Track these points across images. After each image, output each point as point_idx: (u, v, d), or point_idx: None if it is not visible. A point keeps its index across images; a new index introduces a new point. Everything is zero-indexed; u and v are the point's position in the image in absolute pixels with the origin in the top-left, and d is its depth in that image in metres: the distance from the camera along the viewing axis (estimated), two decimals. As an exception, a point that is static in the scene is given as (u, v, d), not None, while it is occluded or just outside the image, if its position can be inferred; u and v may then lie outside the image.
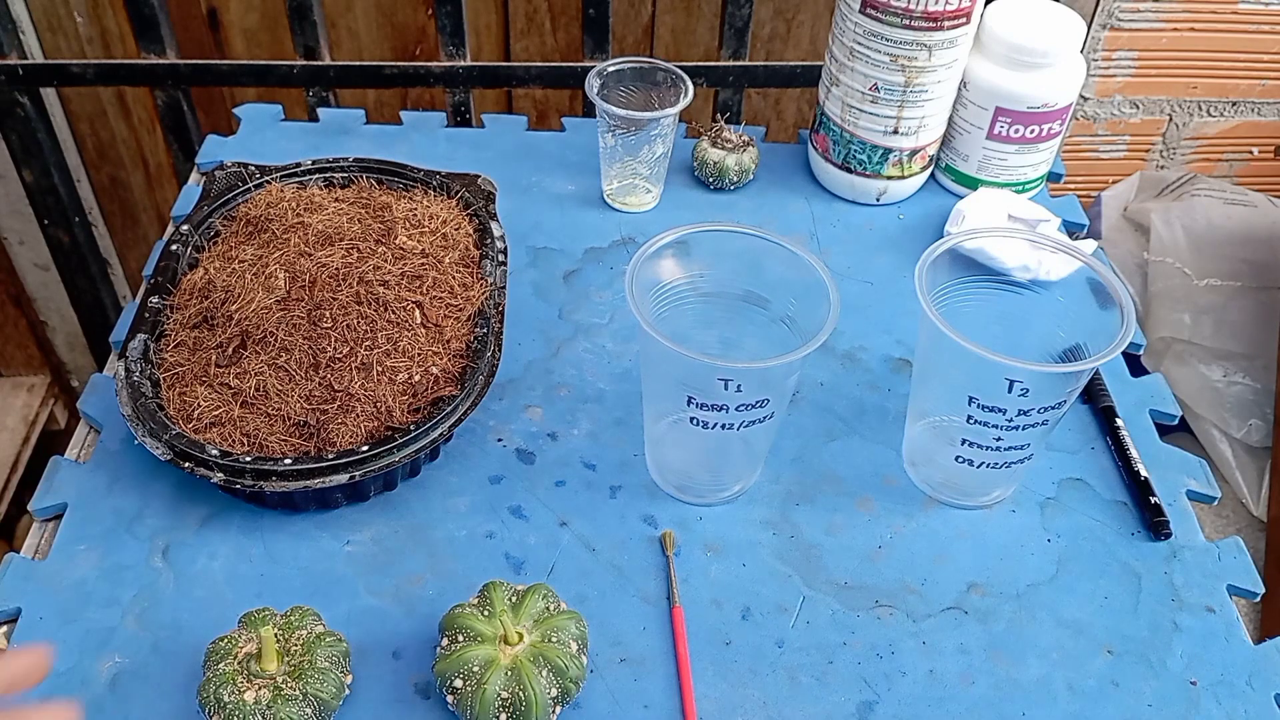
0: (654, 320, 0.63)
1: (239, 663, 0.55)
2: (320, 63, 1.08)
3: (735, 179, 0.94)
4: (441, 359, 0.70)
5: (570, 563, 0.67)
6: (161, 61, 1.08)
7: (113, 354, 0.78)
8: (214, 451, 0.63)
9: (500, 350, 0.72)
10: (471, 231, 0.79)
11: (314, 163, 0.83)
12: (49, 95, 1.31)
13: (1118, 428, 0.76)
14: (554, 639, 0.57)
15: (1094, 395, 0.79)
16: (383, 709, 0.59)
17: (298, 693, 0.54)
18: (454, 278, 0.74)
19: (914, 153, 0.92)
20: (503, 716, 0.55)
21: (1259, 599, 0.68)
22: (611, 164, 0.91)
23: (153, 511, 0.68)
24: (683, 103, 0.86)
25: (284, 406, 0.66)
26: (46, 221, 1.25)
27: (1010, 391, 0.62)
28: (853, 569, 0.68)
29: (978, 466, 0.68)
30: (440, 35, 1.07)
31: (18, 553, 0.66)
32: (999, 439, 0.65)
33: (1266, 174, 1.36)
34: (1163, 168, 1.35)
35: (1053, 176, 0.97)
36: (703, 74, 1.10)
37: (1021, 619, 0.66)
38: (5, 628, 0.63)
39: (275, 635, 0.56)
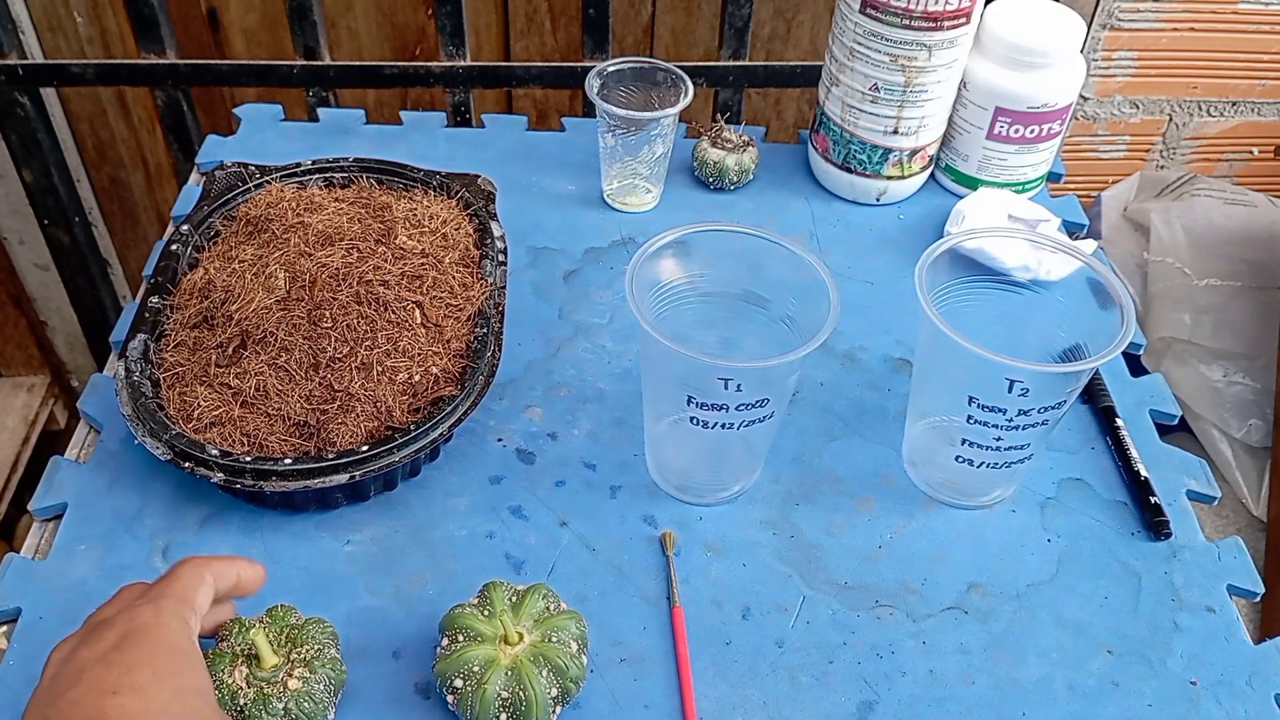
0: (654, 320, 0.63)
1: (240, 672, 0.55)
2: (320, 63, 1.08)
3: (735, 179, 0.94)
4: (441, 359, 0.70)
5: (570, 563, 0.67)
6: (161, 61, 1.08)
7: (113, 354, 0.78)
8: (214, 451, 0.63)
9: (500, 350, 0.72)
10: (471, 231, 0.79)
11: (314, 163, 0.83)
12: (49, 95, 1.31)
13: (1118, 428, 0.76)
14: (554, 639, 0.57)
15: (1094, 395, 0.79)
16: (383, 709, 0.59)
17: (308, 677, 0.55)
18: (454, 278, 0.74)
19: (914, 153, 0.92)
20: (503, 716, 0.55)
21: (1259, 599, 0.68)
22: (611, 164, 0.91)
23: (153, 511, 0.68)
24: (683, 103, 0.86)
25: (284, 406, 0.66)
26: (46, 221, 1.25)
27: (1010, 391, 0.62)
28: (853, 569, 0.68)
29: (978, 466, 0.68)
30: (440, 35, 1.07)
31: (18, 553, 0.66)
32: (999, 439, 0.65)
33: (1266, 174, 1.36)
34: (1163, 168, 1.35)
35: (1053, 176, 0.97)
36: (703, 74, 1.10)
37: (1021, 619, 0.66)
38: (5, 628, 0.63)
39: (265, 634, 0.56)
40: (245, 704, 0.53)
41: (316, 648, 0.56)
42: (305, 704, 0.54)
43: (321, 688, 0.55)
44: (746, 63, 1.11)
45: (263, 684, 0.54)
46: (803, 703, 0.61)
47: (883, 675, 0.63)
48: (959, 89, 0.90)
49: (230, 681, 0.54)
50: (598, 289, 0.86)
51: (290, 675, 0.55)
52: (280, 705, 0.54)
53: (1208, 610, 0.67)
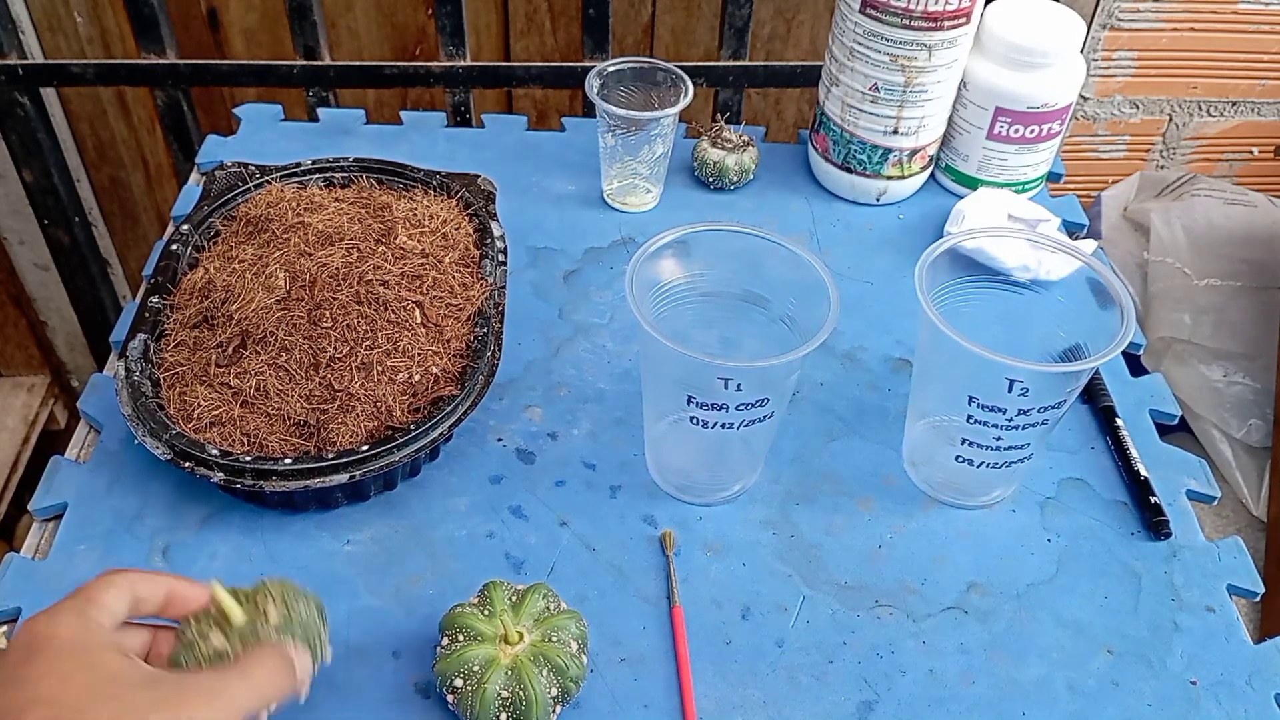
0: (654, 320, 0.63)
1: (216, 638, 0.50)
2: (320, 63, 1.08)
3: (735, 179, 0.94)
4: (441, 359, 0.70)
5: (570, 562, 0.67)
6: (161, 61, 1.08)
7: (113, 354, 0.78)
8: (214, 451, 0.63)
9: (500, 350, 0.72)
10: (471, 231, 0.79)
11: (314, 163, 0.83)
12: (49, 95, 1.31)
13: (1118, 428, 0.76)
14: (554, 638, 0.57)
15: (1094, 395, 0.79)
16: (383, 709, 0.59)
17: (285, 613, 0.51)
18: (454, 278, 0.74)
19: (914, 153, 0.92)
20: (503, 716, 0.55)
21: (1259, 599, 0.68)
22: (611, 164, 0.91)
23: (153, 511, 0.68)
24: (683, 103, 0.86)
25: (284, 406, 0.66)
26: (46, 221, 1.25)
27: (1010, 391, 0.62)
28: (853, 569, 0.68)
29: (978, 466, 0.68)
30: (440, 35, 1.07)
31: (18, 553, 0.66)
32: (999, 439, 0.65)
33: (1266, 174, 1.36)
34: (1163, 168, 1.36)
35: (1053, 176, 0.97)
36: (703, 74, 1.10)
37: (1021, 619, 0.66)
38: (5, 628, 0.63)
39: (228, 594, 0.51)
40: (239, 653, 0.49)
41: (279, 591, 0.52)
42: (297, 629, 0.51)
43: (303, 609, 0.51)
44: (746, 63, 1.11)
45: (244, 632, 0.50)
46: (803, 703, 0.61)
47: (883, 675, 0.63)
48: (959, 89, 0.90)
49: (211, 652, 0.49)
50: (598, 289, 0.86)
51: (266, 615, 0.50)
52: (275, 636, 0.50)
53: (1208, 610, 0.67)
